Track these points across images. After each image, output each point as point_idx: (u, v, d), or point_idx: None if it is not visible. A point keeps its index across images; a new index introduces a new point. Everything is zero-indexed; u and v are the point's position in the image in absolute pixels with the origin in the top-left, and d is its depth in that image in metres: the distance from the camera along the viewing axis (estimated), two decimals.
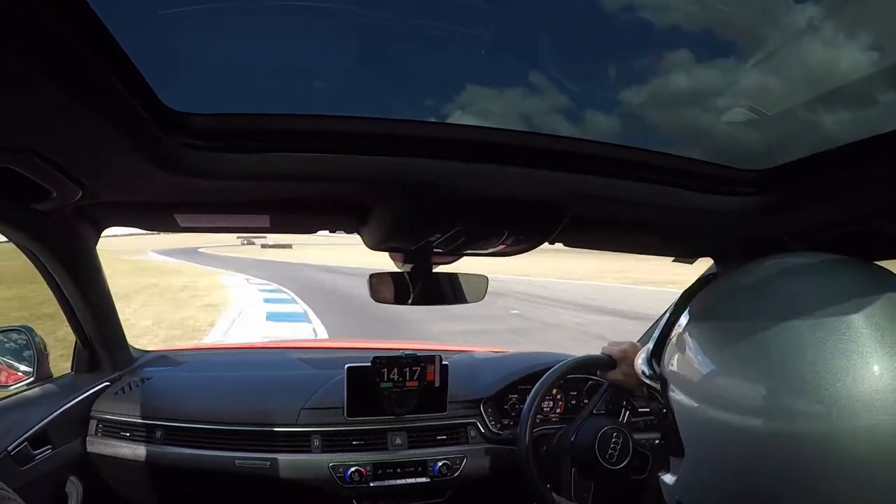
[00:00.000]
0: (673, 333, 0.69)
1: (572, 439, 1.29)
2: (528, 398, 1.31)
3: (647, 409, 1.47)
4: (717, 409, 0.58)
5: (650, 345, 0.75)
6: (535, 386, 1.32)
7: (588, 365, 1.34)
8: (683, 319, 0.68)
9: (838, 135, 0.73)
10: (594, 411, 1.38)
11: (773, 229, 1.04)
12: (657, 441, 1.50)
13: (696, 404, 0.61)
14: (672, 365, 0.67)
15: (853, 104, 0.77)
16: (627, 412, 1.50)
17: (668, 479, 0.72)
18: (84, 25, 0.47)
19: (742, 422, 0.56)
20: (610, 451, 1.27)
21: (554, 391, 1.53)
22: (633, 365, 1.12)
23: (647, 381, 0.72)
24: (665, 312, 1.53)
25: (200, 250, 40.57)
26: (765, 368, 0.55)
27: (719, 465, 0.61)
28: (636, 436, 1.44)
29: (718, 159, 0.87)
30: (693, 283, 0.76)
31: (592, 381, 1.53)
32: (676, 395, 0.65)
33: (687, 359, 0.64)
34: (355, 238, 1.16)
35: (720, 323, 0.63)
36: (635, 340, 1.36)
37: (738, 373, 0.57)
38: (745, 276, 0.66)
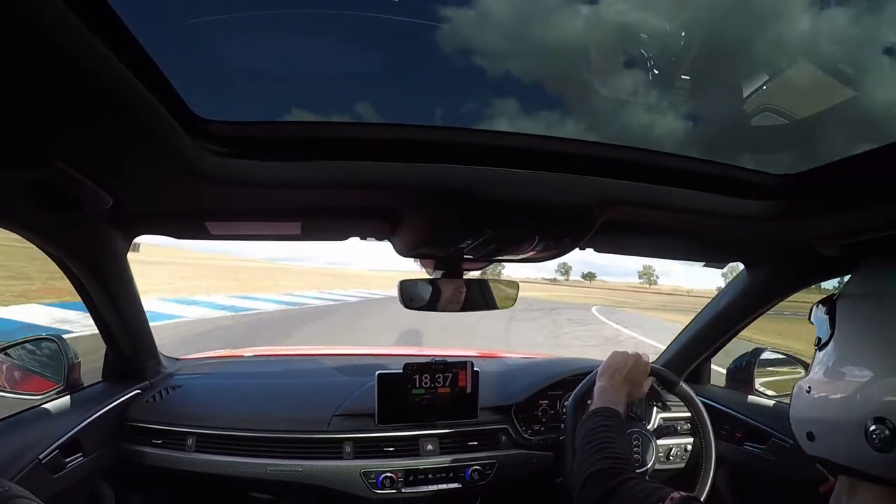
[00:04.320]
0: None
1: None
2: (573, 395, 1.30)
3: (680, 415, 1.47)
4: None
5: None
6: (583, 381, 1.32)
7: None
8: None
9: (866, 139, 0.73)
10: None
11: (802, 234, 1.03)
12: (686, 446, 1.49)
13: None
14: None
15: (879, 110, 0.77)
16: (659, 417, 1.49)
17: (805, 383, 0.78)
18: (112, 35, 0.47)
19: None
20: (634, 455, 1.27)
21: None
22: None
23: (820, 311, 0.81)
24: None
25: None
26: None
27: None
28: (663, 441, 1.44)
29: (747, 164, 0.86)
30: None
31: None
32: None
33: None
34: None
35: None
36: None
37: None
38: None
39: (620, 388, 1.12)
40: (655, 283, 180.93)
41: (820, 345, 0.77)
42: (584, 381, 1.29)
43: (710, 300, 1.58)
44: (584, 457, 0.89)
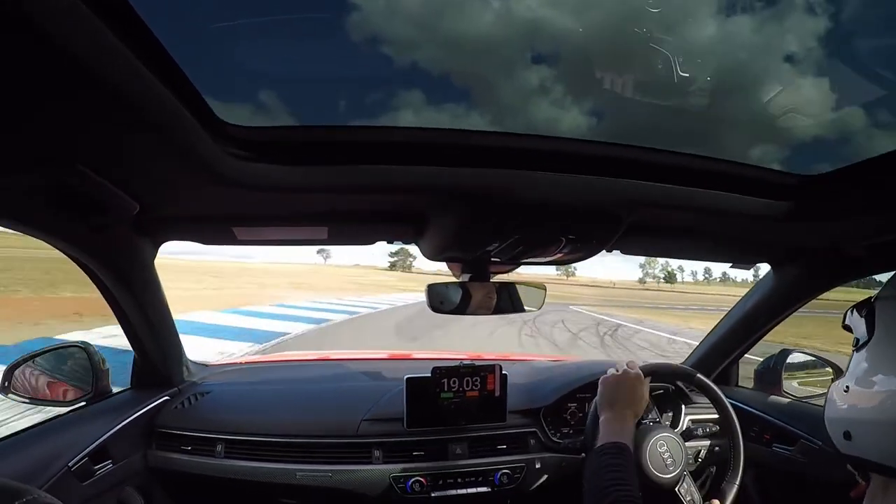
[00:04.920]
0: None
1: None
2: (584, 436, 1.29)
3: (708, 417, 1.46)
4: None
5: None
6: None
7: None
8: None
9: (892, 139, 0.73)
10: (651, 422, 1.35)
11: (827, 234, 1.02)
12: (715, 448, 1.47)
13: None
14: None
15: None
16: (688, 420, 1.48)
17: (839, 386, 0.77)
18: (137, 39, 0.47)
19: None
20: (663, 459, 1.24)
21: None
22: None
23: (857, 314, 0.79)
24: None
25: None
26: None
27: None
28: (692, 443, 1.42)
29: (773, 164, 0.87)
30: None
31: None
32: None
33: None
34: None
35: None
36: None
37: None
38: None
39: (624, 415, 1.11)
40: (573, 274, 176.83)
41: (858, 346, 0.76)
42: (588, 421, 1.26)
43: (737, 300, 1.57)
44: (594, 501, 0.89)
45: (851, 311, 0.80)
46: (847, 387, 0.75)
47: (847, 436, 0.73)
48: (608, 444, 1.02)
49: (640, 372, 1.20)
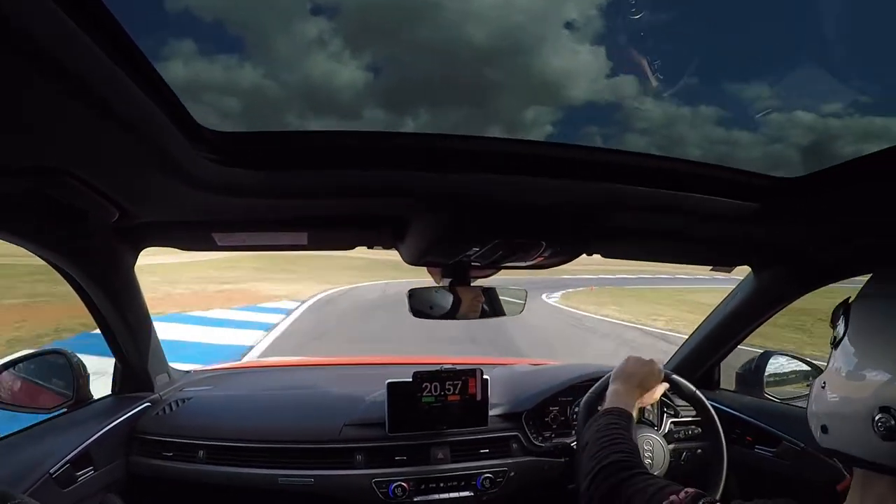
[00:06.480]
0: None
1: None
2: (586, 396, 1.31)
3: (690, 420, 1.46)
4: None
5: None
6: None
7: None
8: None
9: (871, 143, 0.74)
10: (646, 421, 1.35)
11: (806, 237, 1.03)
12: (697, 450, 1.48)
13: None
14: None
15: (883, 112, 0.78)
16: (670, 422, 1.48)
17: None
18: (115, 45, 0.47)
19: None
20: (645, 459, 1.25)
21: None
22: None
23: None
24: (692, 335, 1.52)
25: None
26: None
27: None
28: (674, 446, 1.43)
29: (750, 167, 0.87)
30: None
31: None
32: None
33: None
34: None
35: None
36: None
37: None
38: None
39: (633, 392, 1.13)
40: None
41: (835, 343, 0.79)
42: (597, 384, 1.30)
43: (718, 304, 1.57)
44: (597, 449, 0.90)
45: (836, 310, 0.82)
46: (824, 382, 0.78)
47: (824, 429, 0.76)
48: (613, 408, 1.05)
49: (664, 371, 1.24)
